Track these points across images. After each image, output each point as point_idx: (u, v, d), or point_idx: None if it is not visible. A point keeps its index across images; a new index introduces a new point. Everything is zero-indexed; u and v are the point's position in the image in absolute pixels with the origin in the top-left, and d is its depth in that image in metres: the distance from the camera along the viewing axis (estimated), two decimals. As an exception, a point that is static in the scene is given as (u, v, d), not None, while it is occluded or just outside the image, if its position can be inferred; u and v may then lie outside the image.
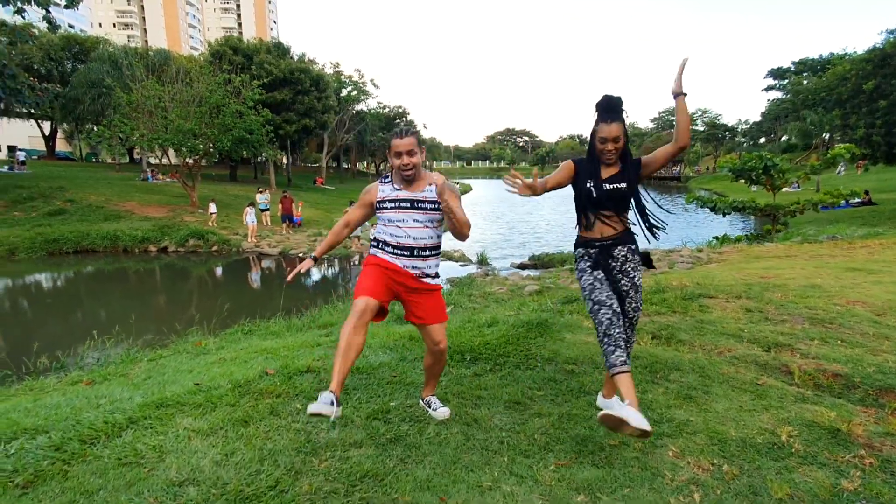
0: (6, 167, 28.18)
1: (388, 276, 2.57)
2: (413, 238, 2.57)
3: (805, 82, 55.50)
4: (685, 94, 2.44)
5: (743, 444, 2.40)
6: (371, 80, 39.67)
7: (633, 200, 2.52)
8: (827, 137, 46.31)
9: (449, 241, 19.58)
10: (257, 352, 4.71)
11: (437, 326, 2.64)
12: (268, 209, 18.86)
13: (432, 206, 2.59)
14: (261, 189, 20.03)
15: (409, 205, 2.57)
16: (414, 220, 2.57)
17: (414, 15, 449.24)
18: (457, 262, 13.85)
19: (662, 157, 2.50)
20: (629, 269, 2.54)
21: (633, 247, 2.55)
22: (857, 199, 21.55)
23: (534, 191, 2.48)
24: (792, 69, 61.51)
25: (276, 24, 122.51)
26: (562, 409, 2.76)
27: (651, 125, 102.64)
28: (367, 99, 41.20)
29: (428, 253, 2.61)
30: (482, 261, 13.38)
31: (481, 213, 32.19)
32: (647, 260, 2.63)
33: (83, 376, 4.87)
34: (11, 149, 36.60)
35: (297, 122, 29.12)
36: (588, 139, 2.58)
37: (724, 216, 14.90)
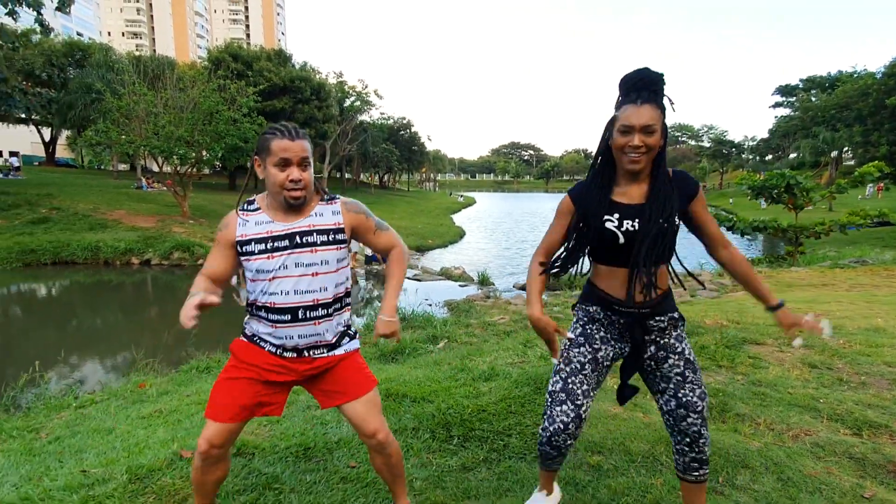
0: (1, 173, 27.58)
1: (260, 382, 1.68)
2: (297, 293, 1.63)
3: (813, 99, 54.90)
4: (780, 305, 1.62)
5: None
6: (375, 91, 39.11)
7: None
8: (834, 155, 45.50)
9: (450, 258, 18.60)
10: (202, 403, 3.83)
11: (360, 406, 1.73)
12: (260, 221, 18.07)
13: (327, 237, 1.65)
14: (254, 200, 19.22)
15: (287, 243, 1.62)
16: (297, 266, 1.62)
17: (422, 28, 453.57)
18: (456, 281, 12.96)
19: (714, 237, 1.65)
20: (673, 340, 1.66)
21: (675, 315, 1.67)
22: (875, 220, 20.76)
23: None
24: (800, 86, 61.04)
25: (284, 36, 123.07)
26: (588, 544, 1.86)
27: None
28: (370, 109, 40.61)
29: (323, 312, 1.67)
30: (483, 281, 12.48)
31: (484, 228, 31.36)
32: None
33: (-9, 428, 4.00)
34: (13, 154, 36.12)
35: (297, 131, 28.43)
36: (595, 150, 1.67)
37: (742, 236, 13.97)
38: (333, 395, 1.75)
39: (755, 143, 69.87)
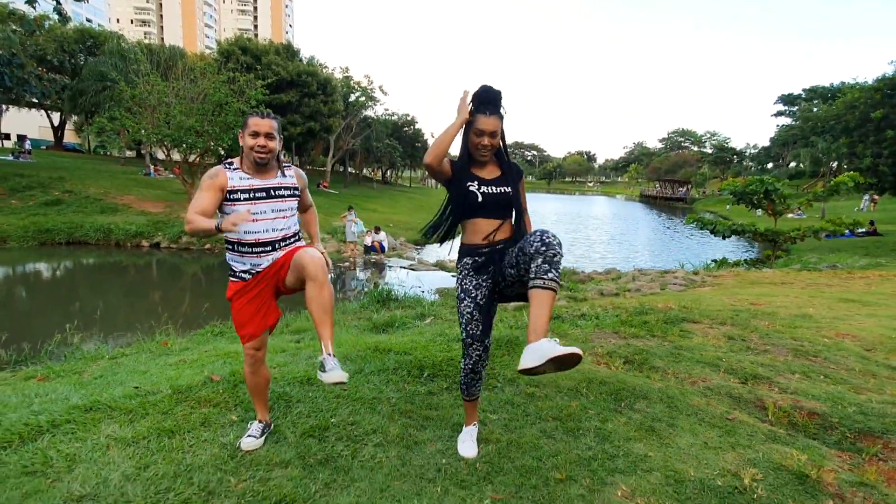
0: (11, 155, 28.27)
1: (257, 296, 2.36)
2: (275, 230, 2.35)
3: (815, 109, 55.45)
4: None
5: (701, 487, 2.19)
6: (380, 87, 39.64)
7: (516, 212, 2.31)
8: (835, 165, 46.10)
9: (447, 253, 19.02)
10: (220, 355, 4.53)
11: (295, 259, 2.20)
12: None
13: (290, 192, 2.42)
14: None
15: (264, 195, 2.33)
16: (273, 211, 2.35)
17: (429, 26, 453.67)
18: (449, 272, 13.65)
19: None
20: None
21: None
22: (861, 229, 21.36)
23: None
24: (802, 96, 61.60)
25: (291, 28, 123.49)
26: (511, 437, 2.57)
27: (660, 145, 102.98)
28: (374, 105, 41.20)
29: (288, 242, 2.41)
30: (475, 272, 13.17)
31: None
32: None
33: (38, 371, 4.70)
34: (21, 138, 36.80)
35: (302, 124, 29.08)
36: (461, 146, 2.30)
37: (723, 239, 14.68)
38: (285, 270, 2.29)
39: (756, 150, 70.49)
